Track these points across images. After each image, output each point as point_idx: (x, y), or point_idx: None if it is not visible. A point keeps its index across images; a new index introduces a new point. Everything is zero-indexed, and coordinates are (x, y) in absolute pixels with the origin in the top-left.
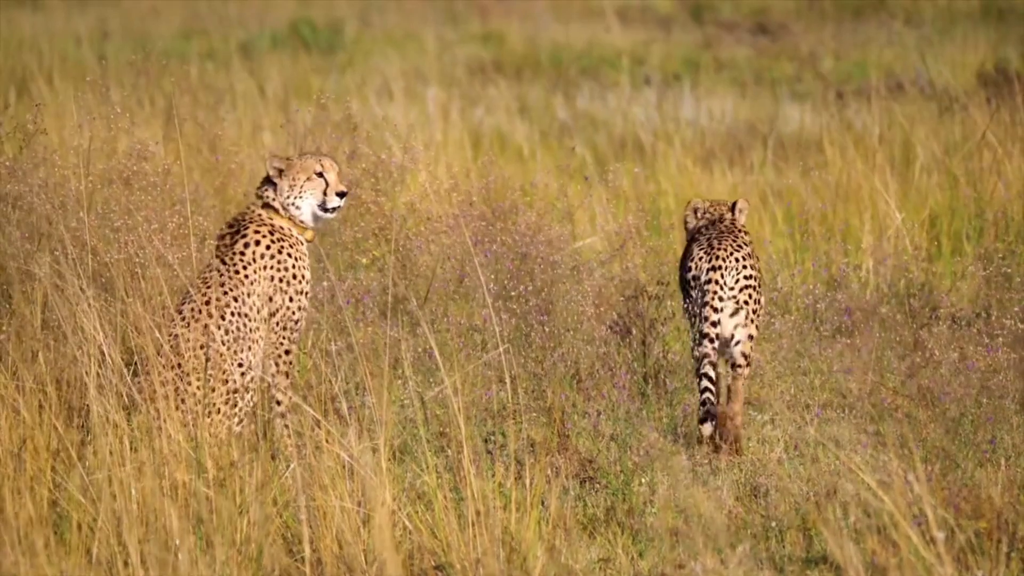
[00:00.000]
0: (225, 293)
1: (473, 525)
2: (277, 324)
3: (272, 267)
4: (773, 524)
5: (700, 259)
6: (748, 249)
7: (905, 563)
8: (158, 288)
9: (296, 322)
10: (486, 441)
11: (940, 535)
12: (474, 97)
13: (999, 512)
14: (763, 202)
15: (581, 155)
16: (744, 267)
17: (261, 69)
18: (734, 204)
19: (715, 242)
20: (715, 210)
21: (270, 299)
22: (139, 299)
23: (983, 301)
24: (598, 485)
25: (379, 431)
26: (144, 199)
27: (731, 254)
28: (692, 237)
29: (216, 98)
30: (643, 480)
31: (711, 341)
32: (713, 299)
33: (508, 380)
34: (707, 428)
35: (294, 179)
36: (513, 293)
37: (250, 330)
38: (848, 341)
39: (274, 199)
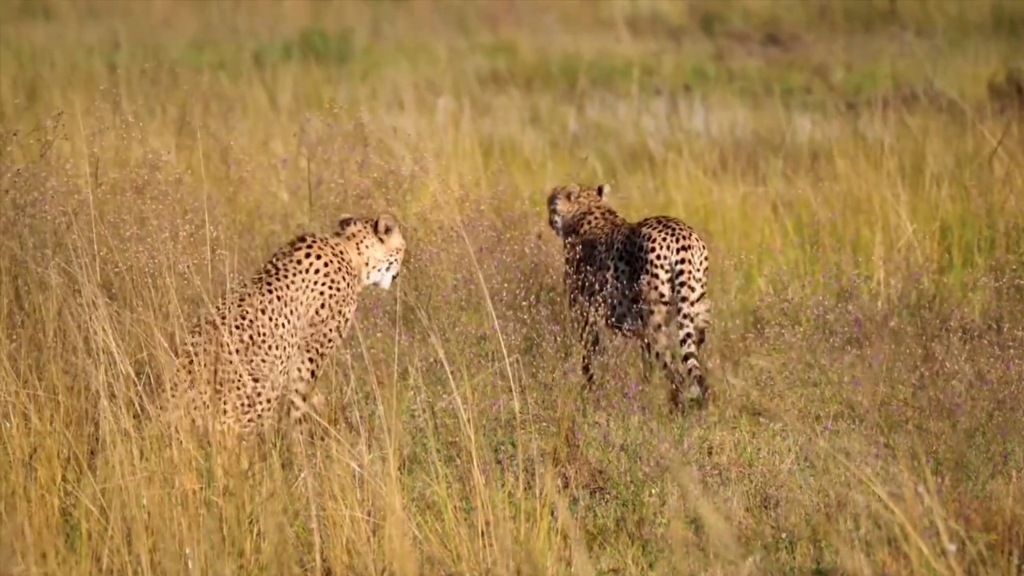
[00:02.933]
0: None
1: (483, 535)
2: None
3: (326, 285)
4: (783, 535)
5: (663, 241)
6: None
7: (916, 575)
8: (169, 297)
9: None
10: (496, 451)
11: (951, 547)
12: (484, 107)
13: (1010, 524)
14: (774, 213)
15: (591, 165)
16: (704, 249)
17: (272, 79)
18: (600, 188)
19: (672, 225)
20: (587, 195)
21: (317, 312)
22: (151, 308)
23: (994, 313)
24: (608, 495)
25: (389, 441)
26: (156, 208)
27: (692, 235)
28: (584, 221)
29: (228, 108)
30: (653, 490)
31: (691, 321)
32: (689, 280)
33: (518, 390)
34: (695, 390)
35: (394, 249)
36: (524, 303)
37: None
38: (859, 352)
39: (364, 246)
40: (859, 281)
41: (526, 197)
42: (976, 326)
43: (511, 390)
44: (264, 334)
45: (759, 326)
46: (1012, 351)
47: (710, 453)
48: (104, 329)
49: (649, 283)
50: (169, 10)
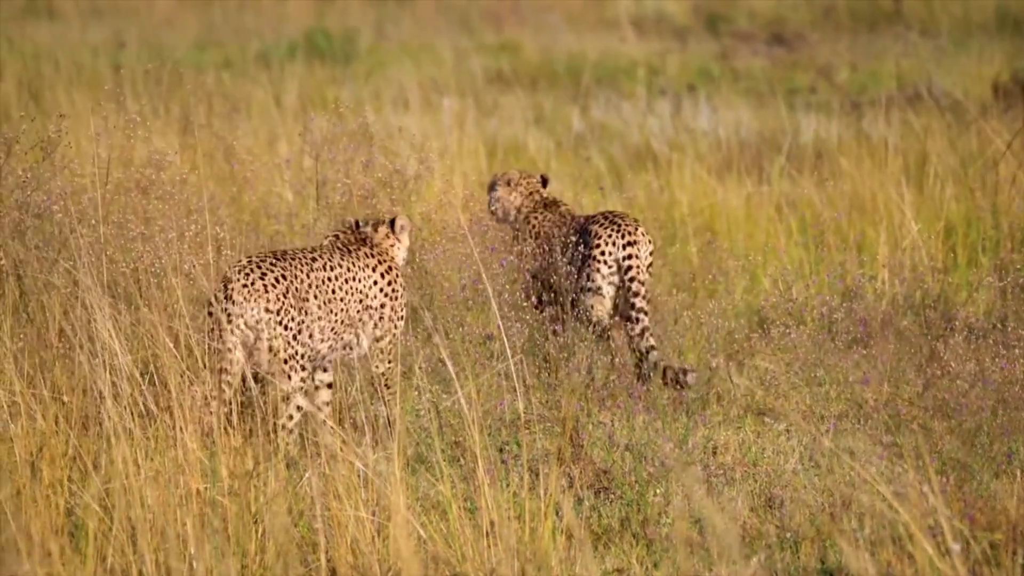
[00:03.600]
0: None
1: (487, 535)
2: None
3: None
4: (788, 535)
5: (609, 237)
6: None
7: (920, 574)
8: (175, 297)
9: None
10: (500, 451)
11: (955, 547)
12: (489, 107)
13: (1015, 524)
14: (778, 212)
15: (596, 165)
16: (650, 243)
17: (277, 79)
18: (543, 177)
19: (619, 220)
20: (528, 183)
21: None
22: (156, 308)
23: (999, 312)
24: (612, 495)
25: (394, 440)
26: (161, 208)
27: (639, 229)
28: (533, 214)
29: (232, 107)
30: (658, 490)
31: (646, 315)
32: (638, 274)
33: (522, 390)
34: (692, 377)
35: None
36: (526, 304)
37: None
38: (864, 352)
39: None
40: (864, 281)
41: None
42: (981, 326)
43: (515, 390)
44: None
45: (764, 326)
46: (1016, 350)
47: (714, 453)
48: (108, 329)
49: (592, 277)
50: (173, 10)
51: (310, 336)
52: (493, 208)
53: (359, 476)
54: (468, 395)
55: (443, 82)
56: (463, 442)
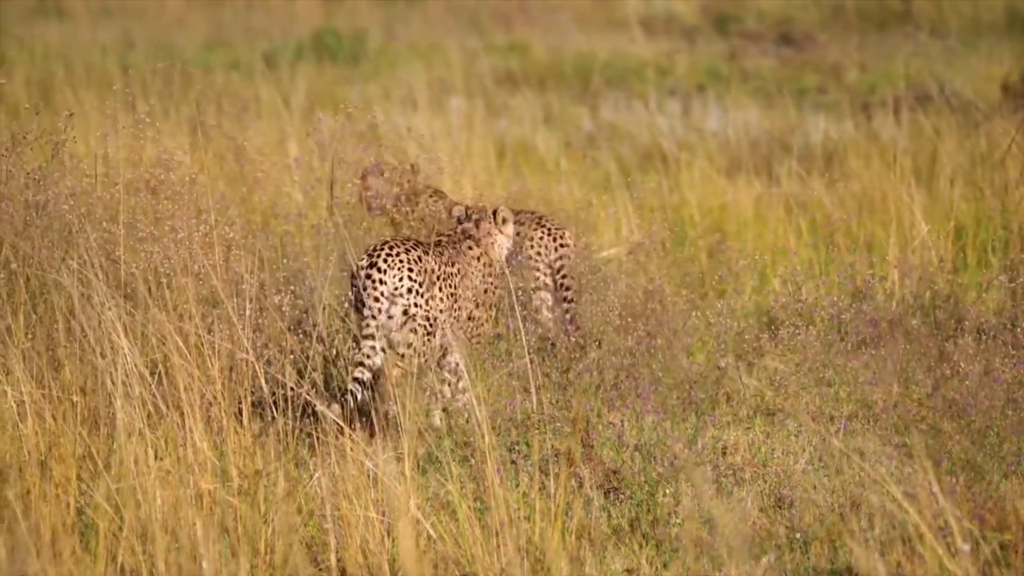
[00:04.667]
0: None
1: (497, 535)
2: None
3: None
4: (798, 535)
5: (541, 240)
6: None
7: (930, 575)
8: (184, 297)
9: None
10: (510, 451)
11: (965, 547)
12: (498, 107)
13: None
14: (788, 213)
15: (605, 165)
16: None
17: (286, 79)
18: (413, 165)
19: (547, 222)
20: (402, 174)
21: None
22: (166, 308)
23: (1009, 313)
24: (622, 496)
25: (403, 440)
26: (170, 208)
27: (566, 233)
28: (415, 202)
29: (241, 108)
30: (667, 491)
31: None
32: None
33: (533, 390)
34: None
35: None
36: (537, 303)
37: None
38: (873, 352)
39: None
40: (873, 281)
41: (540, 197)
42: (990, 326)
43: (526, 390)
44: None
45: (773, 326)
46: None
47: (724, 453)
48: (118, 329)
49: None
50: (182, 10)
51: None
52: (367, 198)
53: (368, 476)
54: (478, 395)
55: (452, 82)
56: (473, 442)
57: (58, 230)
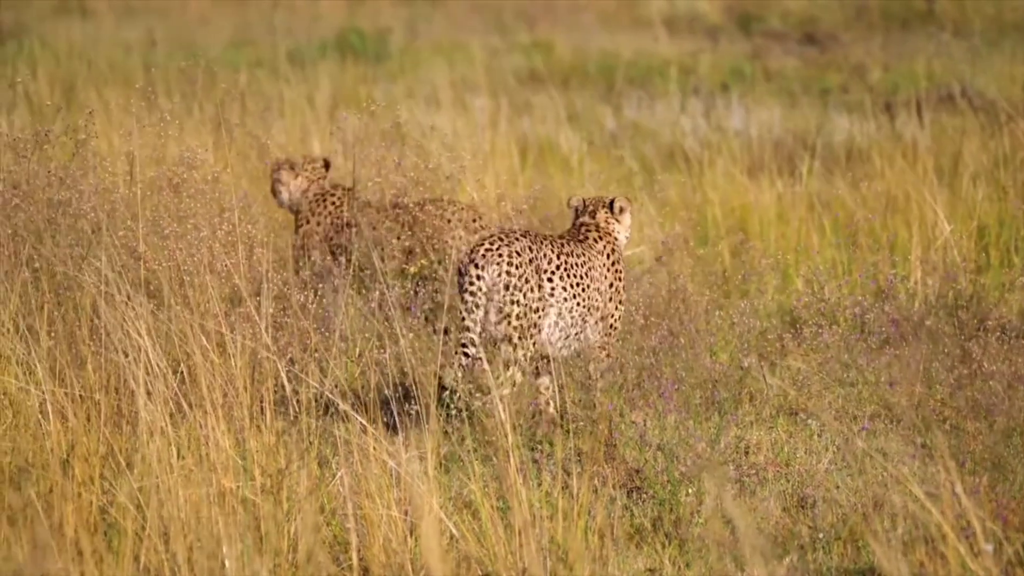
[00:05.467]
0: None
1: (520, 534)
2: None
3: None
4: (820, 535)
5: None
6: None
7: (953, 575)
8: (207, 295)
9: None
10: (533, 450)
11: (988, 547)
12: (522, 106)
13: None
14: (811, 212)
15: (629, 165)
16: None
17: (310, 78)
18: (326, 162)
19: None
20: (313, 168)
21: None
22: (189, 306)
23: None
24: (645, 495)
25: (426, 440)
26: (193, 206)
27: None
28: (329, 198)
29: (265, 106)
30: (690, 490)
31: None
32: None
33: (555, 390)
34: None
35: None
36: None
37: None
38: (896, 352)
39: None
40: (896, 281)
41: (563, 196)
42: (1013, 326)
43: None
44: None
45: (796, 326)
46: None
47: (747, 453)
48: (141, 327)
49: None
50: (206, 9)
51: (550, 319)
52: (278, 191)
53: (391, 475)
54: (500, 394)
55: (475, 81)
56: (495, 441)
57: (81, 228)
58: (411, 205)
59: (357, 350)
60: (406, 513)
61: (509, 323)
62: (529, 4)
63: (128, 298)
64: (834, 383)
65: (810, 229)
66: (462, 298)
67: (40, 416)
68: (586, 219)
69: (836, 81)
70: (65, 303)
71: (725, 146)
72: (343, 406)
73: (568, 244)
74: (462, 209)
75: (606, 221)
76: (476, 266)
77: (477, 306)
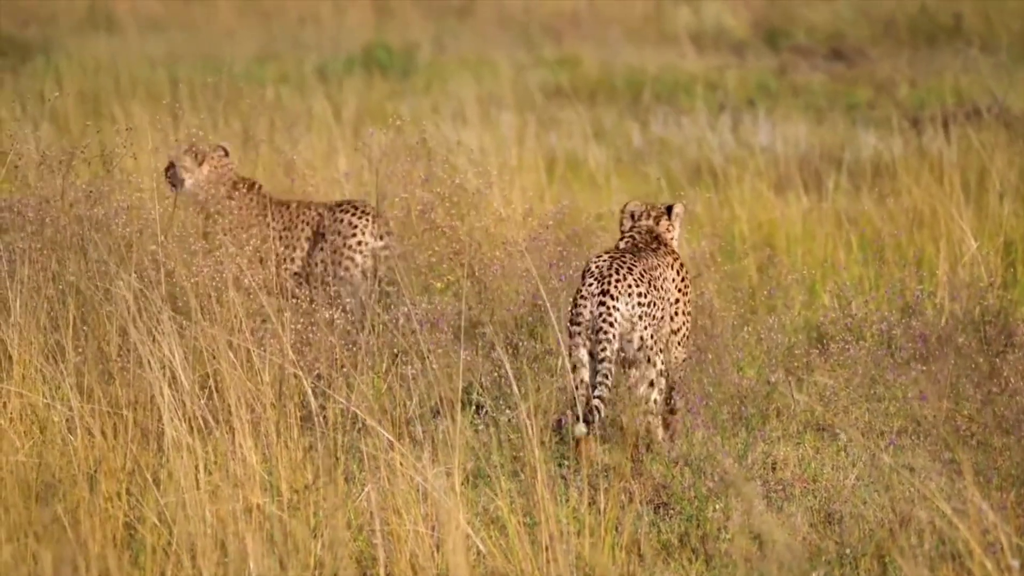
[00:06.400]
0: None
1: (547, 550)
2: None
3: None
4: (847, 551)
5: (366, 227)
6: None
7: None
8: (234, 311)
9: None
10: (560, 465)
11: (1015, 563)
12: (548, 121)
13: None
14: (838, 228)
15: (655, 180)
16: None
17: (336, 93)
18: (224, 148)
19: (371, 210)
20: (217, 158)
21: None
22: (216, 322)
23: None
24: (672, 511)
25: (453, 455)
26: (221, 222)
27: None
28: (233, 190)
29: (291, 121)
30: (717, 506)
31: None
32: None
33: (582, 405)
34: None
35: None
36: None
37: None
38: (923, 368)
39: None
40: (923, 297)
41: (590, 212)
42: None
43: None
44: None
45: (823, 341)
46: None
47: (774, 468)
48: (172, 343)
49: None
50: (233, 24)
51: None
52: (180, 179)
53: (418, 491)
54: (528, 410)
55: (502, 96)
56: (522, 457)
57: (109, 244)
58: (323, 207)
59: (384, 365)
60: (433, 529)
61: (643, 345)
62: (556, 19)
63: (157, 313)
64: (861, 399)
65: (837, 245)
66: (597, 335)
67: (67, 432)
68: (650, 223)
69: (863, 97)
70: (92, 319)
71: (752, 162)
72: (370, 422)
73: (647, 256)
74: (367, 213)
75: (667, 229)
76: (611, 296)
77: (614, 337)
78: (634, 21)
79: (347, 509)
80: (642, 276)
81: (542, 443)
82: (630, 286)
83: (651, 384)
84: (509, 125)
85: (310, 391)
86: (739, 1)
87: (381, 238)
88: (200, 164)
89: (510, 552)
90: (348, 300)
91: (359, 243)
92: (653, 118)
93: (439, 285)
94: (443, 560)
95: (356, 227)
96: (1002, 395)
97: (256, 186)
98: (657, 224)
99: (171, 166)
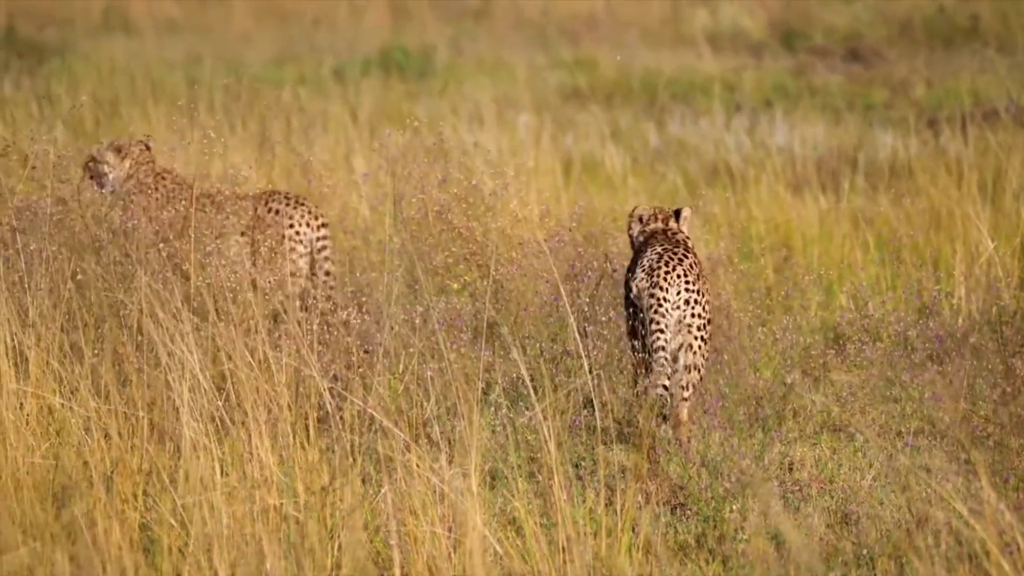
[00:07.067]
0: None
1: (564, 551)
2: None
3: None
4: (864, 552)
5: (302, 218)
6: None
7: None
8: (250, 312)
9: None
10: (576, 467)
11: None
12: (565, 123)
13: None
14: (854, 229)
15: (672, 181)
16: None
17: (353, 95)
18: (147, 144)
19: (305, 201)
20: (140, 152)
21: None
22: (232, 323)
23: None
24: (689, 511)
25: (470, 456)
26: (237, 223)
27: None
28: (159, 184)
29: (308, 123)
30: (734, 507)
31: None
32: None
33: (598, 406)
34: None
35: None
36: (604, 319)
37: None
38: (939, 369)
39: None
40: (940, 297)
41: (607, 213)
42: None
43: (592, 406)
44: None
45: (840, 342)
46: None
47: (791, 469)
48: (189, 344)
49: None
50: (249, 26)
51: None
52: (104, 173)
53: (435, 492)
54: (545, 411)
55: (519, 98)
56: (539, 458)
57: (125, 245)
58: (250, 198)
59: (401, 366)
60: (450, 530)
61: (691, 333)
62: (572, 21)
63: (174, 314)
64: (878, 399)
65: (853, 245)
66: (650, 324)
67: (83, 433)
68: (660, 225)
69: (880, 97)
70: (109, 320)
71: (769, 162)
72: (386, 423)
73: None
74: (301, 204)
75: (677, 231)
76: (661, 288)
77: (667, 327)
78: (651, 22)
79: (364, 510)
80: (692, 266)
81: (559, 444)
82: (679, 277)
83: (688, 370)
84: (526, 127)
85: (326, 392)
86: (756, 2)
87: (318, 229)
88: (122, 159)
89: (527, 553)
90: (289, 292)
91: (297, 234)
92: (670, 119)
93: (456, 286)
94: (460, 561)
95: (292, 218)
96: (1019, 395)
97: (178, 176)
98: (666, 227)
99: (91, 161)
